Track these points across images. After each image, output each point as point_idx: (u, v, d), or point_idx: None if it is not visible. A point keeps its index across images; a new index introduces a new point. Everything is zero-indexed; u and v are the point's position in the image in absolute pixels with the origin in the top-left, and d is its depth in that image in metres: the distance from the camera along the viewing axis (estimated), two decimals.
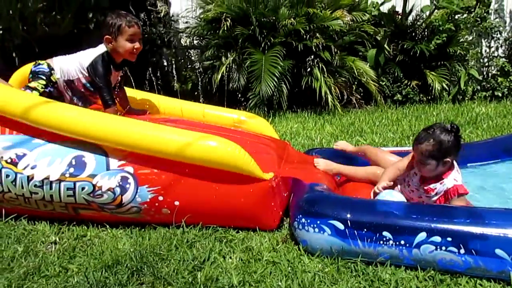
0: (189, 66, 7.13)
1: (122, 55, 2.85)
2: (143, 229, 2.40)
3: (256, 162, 2.33)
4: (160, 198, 2.34)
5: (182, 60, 7.23)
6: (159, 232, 2.35)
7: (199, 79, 6.30)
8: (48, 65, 2.88)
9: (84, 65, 2.83)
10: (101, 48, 2.83)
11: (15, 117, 2.42)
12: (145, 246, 2.21)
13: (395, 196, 2.32)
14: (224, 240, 2.28)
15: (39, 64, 2.90)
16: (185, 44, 7.10)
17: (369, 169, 2.74)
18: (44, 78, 2.84)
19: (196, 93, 6.33)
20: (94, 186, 2.34)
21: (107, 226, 2.44)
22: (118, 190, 2.34)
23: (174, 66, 6.71)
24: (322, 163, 2.79)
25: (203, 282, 1.89)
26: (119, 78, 3.07)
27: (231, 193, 2.33)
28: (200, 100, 5.99)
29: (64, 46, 5.51)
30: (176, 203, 2.35)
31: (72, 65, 2.87)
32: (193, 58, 7.18)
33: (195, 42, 6.95)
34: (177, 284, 1.89)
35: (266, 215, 2.38)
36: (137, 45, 2.82)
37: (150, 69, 5.63)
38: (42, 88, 2.82)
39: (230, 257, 2.12)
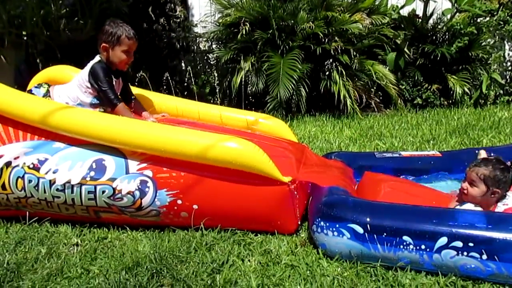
0: (207, 70, 7.19)
1: (115, 65, 2.85)
2: (162, 232, 2.43)
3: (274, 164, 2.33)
4: (179, 201, 2.36)
5: (201, 64, 7.30)
6: (178, 235, 2.37)
7: (217, 83, 6.35)
8: (47, 91, 2.90)
9: (85, 79, 2.81)
10: (96, 59, 2.84)
11: (34, 123, 2.48)
12: (164, 249, 2.23)
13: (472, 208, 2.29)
14: (243, 243, 2.29)
15: (39, 86, 2.94)
16: (204, 49, 7.16)
17: None
18: None
19: (214, 97, 6.38)
20: (114, 189, 2.38)
21: (127, 229, 2.48)
22: (137, 193, 2.37)
23: (192, 70, 6.77)
24: None
25: (222, 284, 1.90)
26: (120, 86, 3.06)
27: (250, 197, 2.33)
28: (218, 103, 6.02)
29: (86, 51, 5.64)
30: (195, 206, 2.37)
31: (76, 88, 2.85)
32: (211, 62, 7.24)
33: (213, 46, 7.01)
34: (196, 286, 1.91)
35: (285, 219, 2.38)
36: (131, 57, 2.87)
37: (168, 73, 5.69)
38: None
39: (249, 260, 2.12)
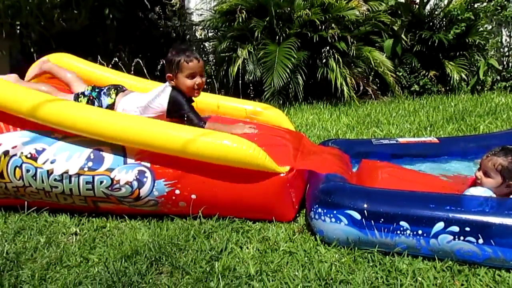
0: (204, 59, 7.15)
1: (185, 93, 2.73)
2: (161, 220, 2.44)
3: (271, 155, 2.34)
4: (177, 191, 2.37)
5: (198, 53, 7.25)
6: (176, 223, 2.38)
7: (214, 72, 6.32)
8: (112, 103, 2.80)
9: (160, 105, 2.71)
10: (163, 86, 2.78)
11: (30, 118, 2.47)
12: (163, 237, 2.24)
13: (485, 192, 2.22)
14: (241, 231, 2.30)
15: (108, 94, 2.83)
16: (200, 37, 7.12)
17: None
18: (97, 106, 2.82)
19: (212, 85, 6.35)
20: (112, 179, 2.38)
21: (126, 218, 2.49)
22: (135, 183, 2.37)
23: None
24: None
25: (221, 271, 1.91)
26: None
27: (248, 187, 2.34)
28: (216, 92, 6.01)
29: (81, 41, 5.60)
30: (193, 196, 2.37)
31: (144, 109, 2.75)
32: (208, 51, 7.20)
33: (210, 34, 6.97)
34: (195, 273, 1.92)
35: (282, 208, 2.39)
36: (198, 80, 2.71)
37: (164, 62, 5.66)
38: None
39: (247, 247, 2.14)
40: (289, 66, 5.39)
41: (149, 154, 2.40)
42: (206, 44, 7.15)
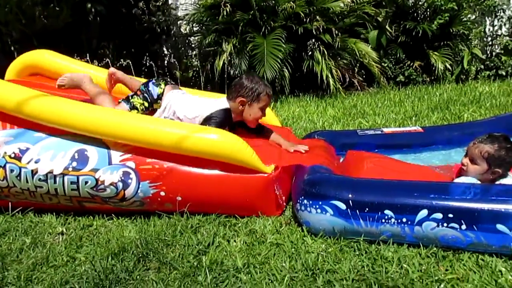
0: (189, 54, 7.12)
1: (247, 120, 2.78)
2: (148, 217, 2.43)
3: (257, 153, 2.35)
4: (162, 193, 2.36)
5: (183, 48, 7.21)
6: (164, 219, 2.38)
7: (199, 67, 6.29)
8: (161, 93, 2.84)
9: (202, 114, 2.70)
10: (224, 103, 2.75)
11: (15, 113, 2.43)
12: (150, 233, 2.24)
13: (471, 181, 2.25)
14: (228, 224, 2.30)
15: (157, 84, 2.87)
16: (185, 32, 7.07)
17: None
18: (149, 102, 2.83)
19: (197, 81, 6.33)
20: (97, 180, 2.36)
21: (113, 216, 2.47)
22: (120, 184, 2.36)
23: (174, 54, 6.69)
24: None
25: (208, 265, 1.91)
26: None
27: (233, 187, 2.34)
28: (202, 87, 5.98)
29: (63, 38, 5.52)
30: (179, 198, 2.37)
31: (183, 108, 2.76)
32: (193, 45, 7.16)
33: (195, 29, 6.92)
34: (183, 268, 1.92)
35: (269, 206, 2.39)
36: (264, 115, 2.80)
37: (149, 58, 5.61)
38: (141, 110, 2.81)
39: (235, 241, 2.14)
40: (280, 57, 5.38)
41: (133, 155, 2.38)
42: (192, 38, 7.11)
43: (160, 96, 2.84)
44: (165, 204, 2.39)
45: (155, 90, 2.84)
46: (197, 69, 6.43)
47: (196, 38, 6.83)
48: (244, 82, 2.71)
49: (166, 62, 6.38)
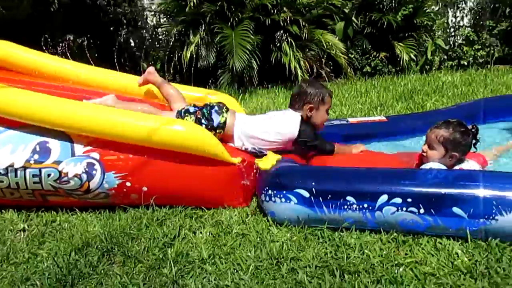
0: (157, 45, 7.02)
1: (316, 125, 2.80)
2: (113, 211, 2.40)
3: (224, 145, 2.35)
4: (128, 184, 2.33)
5: (150, 40, 7.11)
6: (129, 213, 2.35)
7: (167, 58, 6.21)
8: (223, 122, 2.67)
9: (281, 132, 2.68)
10: (293, 115, 2.75)
11: None
12: (115, 227, 2.21)
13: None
14: (195, 216, 2.30)
15: (220, 113, 2.69)
16: (152, 23, 6.97)
17: None
18: (205, 125, 2.63)
19: (165, 72, 6.25)
20: (60, 172, 2.31)
21: (77, 211, 2.43)
22: (84, 176, 2.32)
23: (141, 46, 6.59)
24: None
25: (174, 258, 1.91)
26: None
27: (200, 178, 2.33)
28: (168, 79, 5.91)
29: (24, 30, 5.34)
30: (144, 188, 2.34)
31: (258, 130, 2.69)
32: (160, 37, 7.07)
33: (162, 20, 6.83)
34: (148, 261, 1.91)
35: (236, 197, 2.40)
36: (328, 116, 2.89)
37: (116, 50, 5.51)
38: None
39: (201, 232, 2.15)
40: (249, 48, 5.38)
41: (98, 146, 2.34)
42: (159, 30, 7.01)
43: (221, 125, 2.67)
44: (131, 195, 2.37)
45: (217, 119, 2.67)
46: (164, 60, 6.35)
47: (163, 29, 6.75)
48: (307, 89, 2.76)
49: (133, 54, 6.28)
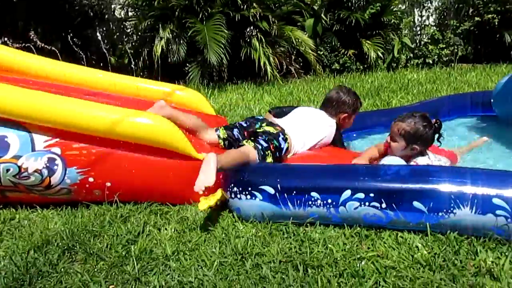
0: (125, 40, 6.89)
1: (342, 128, 2.94)
2: (75, 208, 2.34)
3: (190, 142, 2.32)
4: (91, 179, 2.28)
5: (118, 34, 6.96)
6: (92, 210, 2.31)
7: (135, 53, 6.10)
8: (288, 147, 2.54)
9: (321, 141, 2.74)
10: (331, 122, 2.81)
11: None
12: (77, 224, 2.16)
13: (396, 161, 2.36)
14: (160, 213, 2.27)
15: (285, 139, 2.50)
16: (120, 17, 6.83)
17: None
18: (274, 156, 2.43)
19: (134, 67, 6.14)
20: (19, 167, 2.24)
21: (37, 207, 2.36)
22: (45, 171, 2.25)
23: (108, 39, 6.45)
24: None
25: (137, 255, 1.88)
26: None
27: (165, 173, 2.30)
28: (135, 74, 5.82)
29: None
30: (108, 184, 2.30)
31: (303, 142, 2.67)
32: (129, 31, 6.93)
33: (130, 14, 6.70)
34: (110, 258, 1.87)
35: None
36: None
37: (81, 43, 5.37)
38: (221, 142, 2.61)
39: (166, 229, 2.12)
40: (223, 42, 5.34)
41: (59, 141, 2.27)
42: (127, 23, 6.88)
43: (287, 150, 2.55)
44: (94, 191, 2.32)
45: (284, 145, 2.50)
46: (133, 55, 6.24)
47: (131, 23, 6.62)
48: (346, 98, 2.85)
49: (100, 48, 6.13)
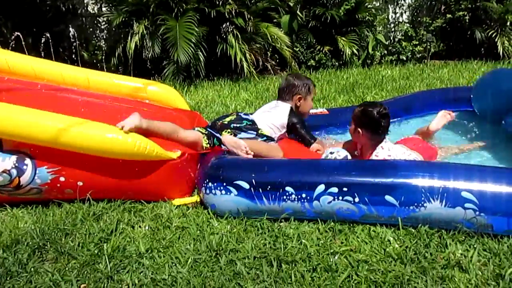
0: (98, 35, 6.76)
1: (303, 113, 3.01)
2: (46, 206, 2.30)
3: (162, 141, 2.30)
4: (62, 179, 2.24)
5: (91, 29, 6.83)
6: (64, 208, 2.26)
7: (109, 49, 5.99)
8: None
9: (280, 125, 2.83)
10: (284, 105, 2.92)
11: None
12: (48, 223, 2.12)
13: (340, 153, 2.41)
14: (134, 210, 2.25)
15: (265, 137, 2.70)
16: (93, 12, 6.70)
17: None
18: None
19: (108, 63, 6.02)
20: None
21: (7, 207, 2.31)
22: (14, 171, 2.20)
23: (81, 35, 6.32)
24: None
25: (110, 253, 1.86)
26: None
27: (138, 171, 2.27)
28: (111, 70, 5.71)
29: None
30: (80, 183, 2.26)
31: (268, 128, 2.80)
32: (102, 26, 6.81)
33: (103, 9, 6.57)
34: (82, 257, 1.84)
35: (175, 190, 2.37)
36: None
37: (53, 38, 5.22)
38: (205, 144, 2.50)
39: (140, 226, 2.10)
40: (193, 40, 5.29)
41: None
42: (100, 19, 6.75)
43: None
44: (65, 190, 2.27)
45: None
46: (107, 51, 6.12)
47: (105, 18, 6.50)
48: (295, 81, 2.98)
49: (72, 43, 6.00)
